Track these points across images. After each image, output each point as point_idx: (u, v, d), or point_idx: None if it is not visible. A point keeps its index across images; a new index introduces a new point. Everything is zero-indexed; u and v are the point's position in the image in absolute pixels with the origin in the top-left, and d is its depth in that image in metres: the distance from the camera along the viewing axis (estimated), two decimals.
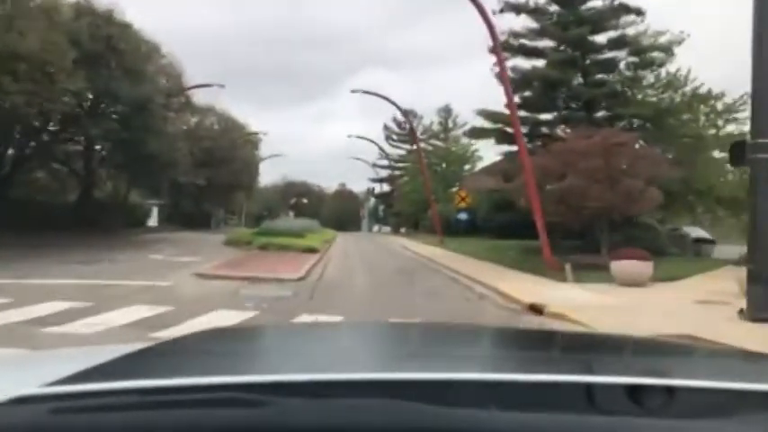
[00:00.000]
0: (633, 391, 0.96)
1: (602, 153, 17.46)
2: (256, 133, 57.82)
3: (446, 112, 67.38)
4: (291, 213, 70.79)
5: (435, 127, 67.29)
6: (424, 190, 45.81)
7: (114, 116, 23.43)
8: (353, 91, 38.77)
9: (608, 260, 17.53)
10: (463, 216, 32.49)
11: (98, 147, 31.36)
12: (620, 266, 14.66)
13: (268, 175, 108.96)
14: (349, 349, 1.70)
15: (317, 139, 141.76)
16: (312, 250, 24.10)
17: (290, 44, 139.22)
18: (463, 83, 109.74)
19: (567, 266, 15.39)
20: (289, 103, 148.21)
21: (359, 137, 59.58)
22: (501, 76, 20.59)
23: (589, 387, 0.98)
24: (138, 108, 22.61)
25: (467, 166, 60.51)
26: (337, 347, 1.74)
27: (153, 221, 50.18)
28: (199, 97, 42.37)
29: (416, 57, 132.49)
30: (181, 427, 0.90)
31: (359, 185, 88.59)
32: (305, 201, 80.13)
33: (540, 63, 25.44)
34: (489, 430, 0.91)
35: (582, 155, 17.64)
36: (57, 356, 1.79)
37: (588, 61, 24.70)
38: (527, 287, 14.42)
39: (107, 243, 24.83)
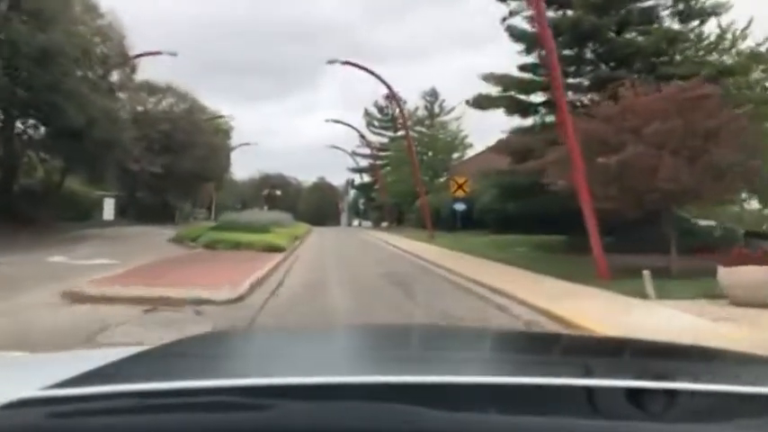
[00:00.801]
0: (635, 394, 0.94)
1: (678, 112, 12.28)
2: (222, 116, 52.08)
3: (432, 96, 61.84)
4: (266, 207, 65.92)
5: (420, 112, 61.53)
6: (409, 180, 40.89)
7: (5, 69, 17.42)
8: (330, 62, 33.06)
9: (679, 264, 12.79)
10: (460, 206, 27.23)
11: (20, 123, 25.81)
12: (736, 276, 9.43)
13: (245, 169, 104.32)
14: (348, 352, 1.65)
15: (297, 133, 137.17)
16: (276, 249, 18.87)
17: (266, 38, 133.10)
18: (449, 79, 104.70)
19: (646, 274, 10.19)
20: (267, 98, 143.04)
21: (336, 121, 54.23)
22: (536, 16, 15.18)
23: (590, 390, 0.96)
24: (40, 60, 16.79)
25: (455, 155, 55.63)
26: (336, 350, 1.68)
27: (108, 215, 44.46)
28: (159, 77, 37.12)
29: (400, 52, 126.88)
30: (179, 429, 0.87)
31: (338, 178, 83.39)
32: (278, 193, 74.37)
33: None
34: None
35: (647, 116, 12.47)
36: (56, 359, 1.77)
37: (624, 11, 19.58)
38: (591, 307, 9.34)
39: (15, 240, 19.42)
